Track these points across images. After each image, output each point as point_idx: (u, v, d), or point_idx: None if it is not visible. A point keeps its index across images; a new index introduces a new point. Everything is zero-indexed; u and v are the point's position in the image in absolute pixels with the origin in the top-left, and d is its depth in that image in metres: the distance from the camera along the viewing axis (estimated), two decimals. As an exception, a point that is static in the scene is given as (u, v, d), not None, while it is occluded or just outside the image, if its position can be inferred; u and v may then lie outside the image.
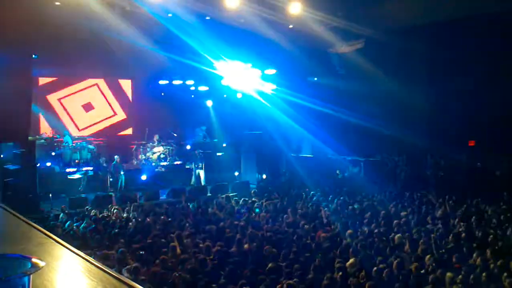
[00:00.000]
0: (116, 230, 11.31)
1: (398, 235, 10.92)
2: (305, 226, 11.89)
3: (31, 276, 1.37)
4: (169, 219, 12.59)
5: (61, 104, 20.76)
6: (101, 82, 21.76)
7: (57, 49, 17.18)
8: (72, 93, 21.00)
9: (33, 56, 15.22)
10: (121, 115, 22.33)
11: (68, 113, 20.93)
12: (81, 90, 21.26)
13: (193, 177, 19.55)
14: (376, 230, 11.32)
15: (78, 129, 20.97)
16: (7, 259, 1.40)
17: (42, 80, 19.89)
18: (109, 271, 2.26)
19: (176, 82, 21.83)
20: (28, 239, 2.96)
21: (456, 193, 15.03)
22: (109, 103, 21.99)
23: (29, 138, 15.10)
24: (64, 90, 20.78)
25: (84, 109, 21.25)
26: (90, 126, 21.44)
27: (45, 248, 2.69)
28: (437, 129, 17.96)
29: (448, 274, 8.29)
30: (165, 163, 19.96)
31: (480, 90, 17.06)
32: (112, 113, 22.12)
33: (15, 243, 2.78)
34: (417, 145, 18.20)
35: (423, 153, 18.71)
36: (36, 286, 1.44)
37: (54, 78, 20.39)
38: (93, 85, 21.57)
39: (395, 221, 12.21)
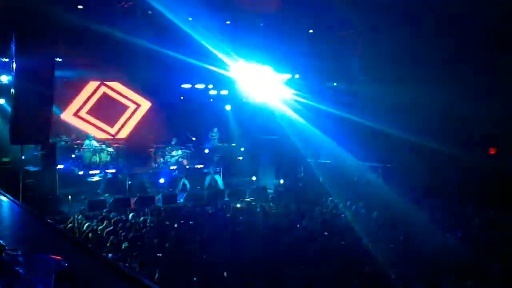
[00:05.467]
0: (133, 234, 11.35)
1: (416, 242, 10.82)
2: (325, 232, 11.84)
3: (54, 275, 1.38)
4: (191, 222, 12.61)
5: (86, 115, 21.00)
6: (119, 85, 21.87)
7: (79, 53, 17.39)
8: (92, 96, 21.18)
9: (56, 59, 15.38)
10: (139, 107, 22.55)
11: (95, 121, 21.19)
12: (101, 93, 21.41)
13: (206, 181, 19.57)
14: (394, 238, 11.23)
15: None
16: (33, 258, 1.42)
17: (65, 82, 20.04)
18: (126, 272, 2.28)
19: (197, 86, 21.96)
20: (48, 240, 2.99)
21: (476, 201, 14.84)
22: (124, 102, 22.10)
23: (50, 140, 15.24)
24: (84, 93, 20.99)
25: (104, 111, 21.37)
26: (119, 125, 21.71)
27: (65, 248, 2.71)
28: (456, 136, 17.72)
29: (468, 283, 8.19)
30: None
31: (503, 96, 16.81)
32: (129, 107, 22.29)
33: (36, 243, 2.80)
34: (437, 152, 17.99)
35: (442, 160, 18.48)
36: (58, 285, 1.46)
37: (75, 81, 20.55)
38: (112, 88, 21.71)
39: (413, 229, 12.09)
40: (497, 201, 14.78)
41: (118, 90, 21.85)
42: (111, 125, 21.50)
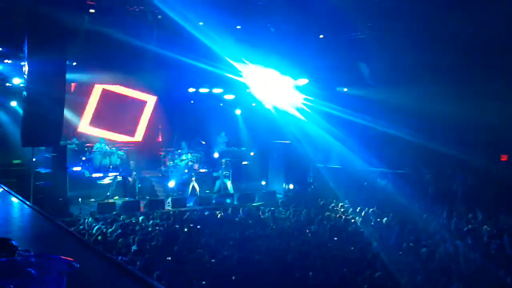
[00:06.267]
0: (142, 237, 11.37)
1: (426, 249, 10.75)
2: (334, 238, 11.81)
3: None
4: (198, 226, 12.63)
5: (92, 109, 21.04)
6: (132, 89, 21.96)
7: (89, 56, 17.50)
8: (103, 99, 21.25)
9: (68, 62, 15.46)
10: (149, 123, 22.52)
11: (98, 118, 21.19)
12: (113, 96, 21.49)
13: (216, 185, 19.54)
14: (404, 244, 11.17)
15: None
16: (45, 259, 1.42)
17: (75, 86, 20.14)
18: (137, 275, 2.28)
19: (206, 90, 22.00)
20: (59, 241, 3.00)
21: (486, 209, 14.74)
22: (139, 110, 22.16)
23: (61, 142, 15.33)
24: (96, 96, 21.08)
25: (113, 115, 21.45)
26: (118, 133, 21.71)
27: (76, 250, 2.72)
28: (468, 142, 17.62)
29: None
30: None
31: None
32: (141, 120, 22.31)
33: (47, 244, 2.82)
34: (447, 158, 17.92)
35: (452, 166, 18.39)
36: (70, 286, 1.46)
37: (87, 85, 20.66)
38: (124, 92, 21.80)
39: (423, 235, 12.03)
40: (509, 208, 14.67)
41: (136, 99, 21.95)
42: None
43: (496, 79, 16.88)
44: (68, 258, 1.50)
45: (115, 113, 21.32)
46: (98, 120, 20.94)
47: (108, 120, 21.16)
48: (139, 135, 21.86)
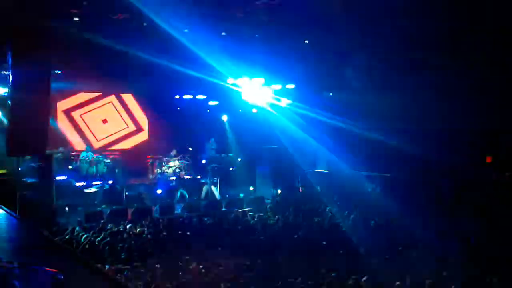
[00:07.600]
0: (130, 245, 11.31)
1: (414, 253, 10.82)
2: (323, 242, 11.84)
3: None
4: (188, 233, 12.60)
5: (78, 117, 20.94)
6: (118, 96, 21.91)
7: (75, 64, 17.43)
8: (89, 107, 21.18)
9: (54, 71, 15.39)
10: (138, 131, 22.49)
11: (84, 127, 21.09)
12: (99, 105, 21.44)
13: (203, 191, 19.48)
14: (392, 248, 11.23)
15: (95, 141, 21.02)
16: (29, 270, 1.42)
17: (61, 94, 20.01)
18: (122, 284, 2.27)
19: (196, 96, 22.06)
20: (45, 252, 2.98)
21: (473, 210, 14.85)
22: (123, 119, 22.09)
23: (47, 151, 15.20)
24: (81, 104, 21.00)
25: (100, 123, 21.39)
26: (106, 140, 21.58)
27: (62, 260, 2.71)
28: (453, 145, 17.73)
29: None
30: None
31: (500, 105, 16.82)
32: (126, 127, 22.24)
33: (33, 255, 2.80)
34: (433, 161, 18.00)
35: (439, 169, 18.48)
36: (54, 298, 1.46)
37: (72, 93, 20.56)
38: (109, 101, 21.76)
39: (411, 239, 12.09)
40: (495, 209, 14.79)
41: (121, 108, 22.03)
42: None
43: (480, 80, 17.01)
44: (52, 270, 1.49)
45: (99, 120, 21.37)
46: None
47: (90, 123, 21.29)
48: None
